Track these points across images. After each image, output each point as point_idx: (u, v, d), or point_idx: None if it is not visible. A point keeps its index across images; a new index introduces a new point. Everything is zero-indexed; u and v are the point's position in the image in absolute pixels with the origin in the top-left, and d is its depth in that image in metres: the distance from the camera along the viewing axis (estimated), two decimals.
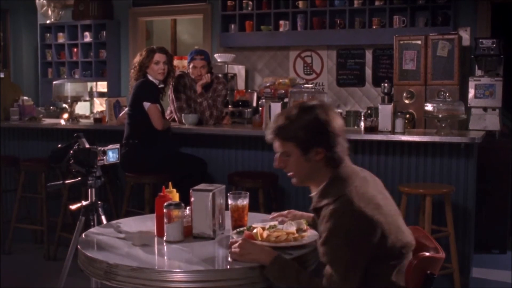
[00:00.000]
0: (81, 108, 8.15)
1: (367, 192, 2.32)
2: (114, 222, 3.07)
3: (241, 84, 7.90)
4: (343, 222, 2.22)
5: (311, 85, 5.82)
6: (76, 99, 6.25)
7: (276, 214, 2.94)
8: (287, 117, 2.39)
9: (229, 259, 2.40)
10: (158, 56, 5.17)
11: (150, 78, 5.15)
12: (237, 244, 2.38)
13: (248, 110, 6.76)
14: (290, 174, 2.48)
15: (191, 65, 5.59)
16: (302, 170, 2.43)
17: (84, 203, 3.67)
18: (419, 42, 6.42)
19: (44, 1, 9.21)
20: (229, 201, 2.82)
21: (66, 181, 3.76)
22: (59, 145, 3.74)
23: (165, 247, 2.63)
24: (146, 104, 5.00)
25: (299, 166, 2.41)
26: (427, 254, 2.28)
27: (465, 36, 6.85)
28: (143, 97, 5.04)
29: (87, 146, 3.63)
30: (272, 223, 2.73)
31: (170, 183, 2.99)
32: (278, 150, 2.44)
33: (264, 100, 5.65)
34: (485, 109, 6.27)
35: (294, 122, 2.37)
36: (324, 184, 2.39)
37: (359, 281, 2.21)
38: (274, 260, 2.30)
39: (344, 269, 2.20)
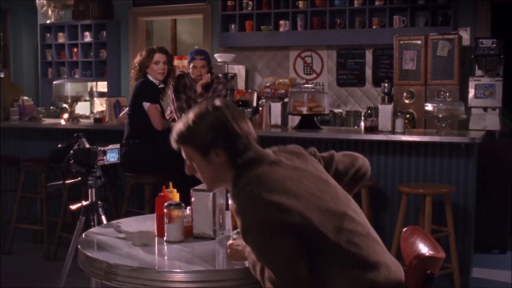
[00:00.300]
0: (81, 108, 8.15)
1: (271, 178, 2.18)
2: (114, 222, 3.07)
3: (241, 84, 7.90)
4: (249, 217, 2.11)
5: (311, 85, 5.81)
6: (76, 99, 6.25)
7: None
8: (184, 123, 2.32)
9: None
10: (158, 56, 5.17)
11: (150, 78, 5.15)
12: (228, 245, 2.42)
13: (248, 110, 6.73)
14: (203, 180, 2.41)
15: (191, 65, 5.59)
16: (207, 174, 2.34)
17: (84, 203, 3.67)
18: (419, 42, 6.42)
19: (44, 1, 9.21)
20: (230, 201, 2.82)
21: (66, 181, 3.76)
22: (59, 145, 3.74)
23: (166, 247, 2.63)
24: (146, 104, 5.00)
25: (203, 170, 2.33)
26: (427, 254, 2.28)
27: (465, 36, 6.85)
28: (143, 97, 5.04)
29: (87, 146, 3.63)
30: None
31: (170, 183, 2.99)
32: (184, 157, 2.39)
33: (264, 100, 5.65)
34: (485, 109, 6.27)
35: (190, 126, 2.30)
36: (232, 185, 2.28)
37: (305, 267, 2.09)
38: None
39: (275, 264, 2.09)
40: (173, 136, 2.36)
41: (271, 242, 2.08)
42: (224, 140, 2.26)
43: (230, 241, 2.43)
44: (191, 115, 2.31)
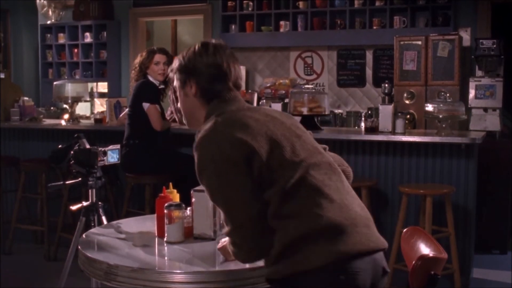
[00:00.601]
0: (82, 108, 8.15)
1: (234, 117, 2.17)
2: (114, 222, 3.07)
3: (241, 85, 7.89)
4: (204, 152, 2.11)
5: (312, 86, 5.81)
6: (76, 99, 6.25)
7: None
8: (178, 58, 2.37)
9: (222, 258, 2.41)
10: (158, 57, 5.17)
11: (150, 78, 5.16)
12: (220, 247, 2.41)
13: None
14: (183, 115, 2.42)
15: None
16: (184, 107, 2.36)
17: (84, 203, 3.67)
18: (419, 42, 6.42)
19: (44, 1, 9.21)
20: None
21: (67, 182, 3.76)
22: (60, 146, 3.74)
23: (166, 248, 2.63)
24: (146, 105, 5.00)
25: (182, 102, 2.36)
26: (430, 254, 2.28)
27: (466, 36, 6.85)
28: (143, 97, 5.04)
29: (88, 146, 3.63)
30: None
31: (170, 184, 2.99)
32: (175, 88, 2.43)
33: (264, 101, 5.66)
34: (485, 109, 6.27)
35: (179, 60, 2.35)
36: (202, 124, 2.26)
37: (257, 211, 2.06)
38: None
39: (228, 204, 2.09)
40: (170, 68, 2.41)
41: (223, 178, 2.08)
42: (196, 72, 2.28)
43: (219, 245, 2.42)
44: (183, 52, 2.36)
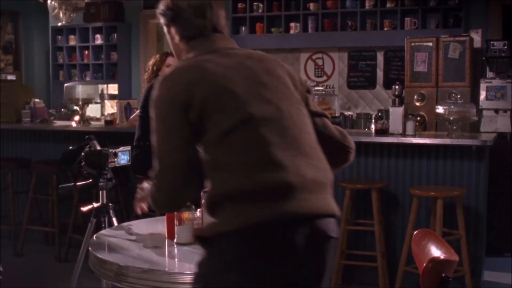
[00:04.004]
0: (92, 110, 8.17)
1: (199, 60, 2.12)
2: (125, 224, 3.08)
3: None
4: (157, 90, 2.10)
5: (322, 88, 5.80)
6: (87, 101, 6.27)
7: None
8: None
9: None
10: (171, 60, 5.18)
11: None
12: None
13: None
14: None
15: None
16: (173, 49, 2.34)
17: (95, 205, 3.68)
18: (430, 44, 6.40)
19: (55, 3, 9.25)
20: None
21: (77, 183, 3.77)
22: (71, 147, 3.75)
23: (176, 249, 2.63)
24: None
25: (171, 44, 2.33)
26: (441, 257, 2.27)
27: (477, 38, 6.82)
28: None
29: (98, 148, 3.64)
30: None
31: None
32: None
33: None
34: (496, 111, 6.25)
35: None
36: None
37: (187, 157, 2.02)
38: None
39: (160, 144, 2.08)
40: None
41: (162, 118, 2.06)
42: (174, 17, 2.24)
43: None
44: None
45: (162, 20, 2.31)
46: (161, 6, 2.29)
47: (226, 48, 2.19)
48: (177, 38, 2.27)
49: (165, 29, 2.32)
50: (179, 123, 2.02)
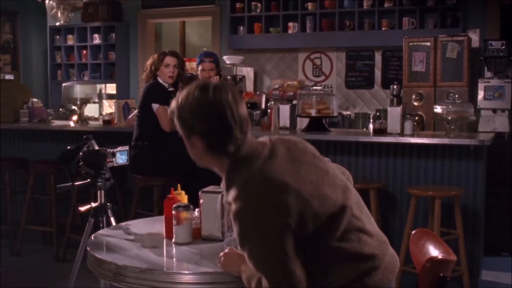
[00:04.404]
0: (90, 110, 8.17)
1: (272, 172, 2.07)
2: (123, 224, 3.08)
3: (249, 86, 7.91)
4: (250, 222, 2.01)
5: (320, 87, 5.81)
6: (85, 101, 6.27)
7: None
8: (175, 99, 2.22)
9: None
10: (168, 59, 5.18)
11: (160, 80, 5.17)
12: (222, 253, 2.30)
13: (257, 112, 6.76)
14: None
15: (200, 68, 5.60)
16: (192, 154, 2.26)
17: (93, 204, 3.68)
18: (428, 43, 6.40)
19: (53, 3, 9.25)
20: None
21: (75, 183, 3.77)
22: (69, 147, 3.75)
23: (174, 249, 2.63)
24: (155, 106, 5.01)
25: (189, 149, 2.25)
26: (439, 256, 2.27)
27: (475, 37, 6.83)
28: (152, 98, 5.05)
29: (96, 148, 3.64)
30: None
31: (178, 185, 2.99)
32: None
33: (272, 102, 5.65)
34: (494, 110, 6.26)
35: (177, 105, 2.20)
36: (225, 175, 2.19)
37: (301, 276, 2.01)
38: (251, 275, 2.15)
39: (273, 273, 2.01)
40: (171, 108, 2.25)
41: (269, 247, 2.01)
42: (204, 128, 2.14)
43: (226, 250, 2.32)
44: (182, 92, 2.21)
45: (178, 125, 2.19)
46: (178, 112, 2.17)
47: (270, 150, 2.17)
48: (200, 148, 2.19)
49: (180, 132, 2.21)
50: (287, 247, 2.00)
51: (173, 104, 2.21)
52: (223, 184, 2.25)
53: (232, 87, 2.24)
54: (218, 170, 2.25)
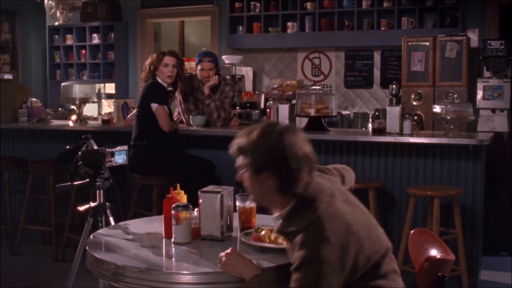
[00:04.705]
0: (89, 109, 8.17)
1: (336, 211, 2.21)
2: (122, 223, 3.08)
3: (248, 86, 7.91)
4: (316, 251, 2.11)
5: (319, 87, 5.81)
6: (84, 100, 6.27)
7: None
8: (247, 136, 2.30)
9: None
10: (167, 59, 5.18)
11: (159, 80, 5.17)
12: (224, 253, 2.32)
13: (256, 111, 6.76)
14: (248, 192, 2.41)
15: (199, 67, 5.60)
16: (254, 191, 2.34)
17: (92, 204, 3.68)
18: (427, 43, 6.41)
19: (52, 3, 9.25)
20: (237, 203, 2.82)
21: (74, 183, 3.76)
22: (68, 147, 3.75)
23: (173, 249, 2.63)
24: (154, 105, 5.01)
25: (252, 186, 2.32)
26: (437, 256, 2.27)
27: (474, 37, 6.83)
28: (151, 98, 5.05)
29: (95, 147, 3.64)
30: None
31: (178, 185, 2.99)
32: (237, 165, 2.37)
33: (271, 102, 5.65)
34: (493, 110, 6.26)
35: (251, 142, 2.28)
36: (289, 209, 2.28)
37: None
38: (254, 277, 2.24)
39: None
40: (233, 145, 2.34)
41: (323, 278, 2.10)
42: (277, 166, 2.25)
43: (228, 251, 2.34)
44: (256, 130, 2.31)
45: (250, 162, 2.27)
46: (259, 148, 2.26)
47: (324, 187, 2.31)
48: (267, 186, 2.27)
49: (248, 168, 2.29)
50: (341, 277, 2.14)
51: (243, 140, 2.30)
52: (277, 220, 2.33)
53: (300, 130, 2.40)
54: (277, 207, 2.32)
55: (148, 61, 5.27)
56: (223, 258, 2.31)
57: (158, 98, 5.04)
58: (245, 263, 2.29)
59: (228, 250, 2.33)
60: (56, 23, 9.38)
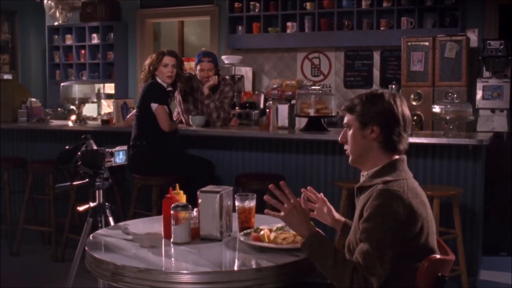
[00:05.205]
0: (89, 109, 8.17)
1: (416, 189, 2.36)
2: (121, 223, 3.08)
3: (248, 86, 7.90)
4: (392, 204, 2.25)
5: (318, 87, 5.81)
6: (83, 100, 6.27)
7: (309, 191, 2.82)
8: (358, 97, 2.50)
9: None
10: (167, 59, 5.18)
11: (159, 80, 5.17)
12: (285, 208, 2.45)
13: (255, 112, 6.76)
14: (346, 151, 2.54)
15: (198, 67, 5.60)
16: (356, 146, 2.47)
17: (91, 204, 3.67)
18: (427, 43, 6.41)
19: (52, 3, 9.24)
20: (236, 203, 2.82)
21: (74, 183, 3.76)
22: (67, 147, 3.74)
23: (172, 249, 2.63)
24: (154, 105, 5.01)
25: (355, 140, 2.47)
26: (437, 256, 2.27)
27: (473, 37, 6.83)
28: (151, 98, 5.05)
29: (95, 147, 3.64)
30: (279, 225, 2.73)
31: (177, 185, 2.99)
32: (344, 123, 2.54)
33: (271, 102, 5.65)
34: (493, 110, 6.25)
35: (362, 98, 2.47)
36: (380, 167, 2.43)
37: (389, 267, 2.22)
38: (312, 235, 2.35)
39: (381, 248, 2.22)
40: (345, 104, 2.52)
41: (391, 231, 2.22)
42: (384, 119, 2.42)
43: (289, 207, 2.46)
44: (366, 93, 2.51)
45: (356, 115, 2.45)
46: (362, 102, 2.45)
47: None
48: (371, 138, 2.44)
49: (353, 124, 2.46)
50: (404, 239, 2.27)
51: (357, 99, 2.47)
52: (366, 176, 2.48)
53: (397, 94, 2.57)
54: (372, 164, 2.47)
55: (147, 61, 5.26)
56: (283, 213, 2.44)
57: (158, 98, 5.04)
58: (301, 221, 2.42)
59: (287, 206, 2.45)
60: (56, 23, 9.38)
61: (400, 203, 2.24)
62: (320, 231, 2.40)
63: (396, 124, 2.44)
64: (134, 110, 5.45)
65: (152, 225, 2.97)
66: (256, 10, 7.96)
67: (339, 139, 2.55)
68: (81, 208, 3.68)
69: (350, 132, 2.48)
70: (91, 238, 2.81)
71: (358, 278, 2.20)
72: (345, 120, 2.51)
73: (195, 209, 2.74)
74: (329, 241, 2.36)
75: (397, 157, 2.46)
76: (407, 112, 2.51)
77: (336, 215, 2.79)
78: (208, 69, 5.56)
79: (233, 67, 7.60)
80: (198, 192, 2.73)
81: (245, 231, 2.72)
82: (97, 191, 3.67)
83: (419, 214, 2.27)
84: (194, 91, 5.58)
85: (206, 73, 5.56)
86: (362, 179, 2.50)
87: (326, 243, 2.33)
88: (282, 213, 2.45)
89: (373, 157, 2.45)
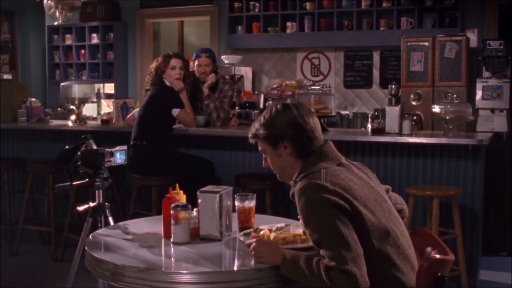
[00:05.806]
0: (89, 109, 8.16)
1: (337, 175, 2.38)
2: (121, 223, 3.08)
3: (248, 86, 7.90)
4: (314, 195, 2.29)
5: (318, 87, 5.81)
6: (83, 100, 6.27)
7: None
8: (258, 119, 2.57)
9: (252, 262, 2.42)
10: (174, 62, 5.19)
11: (166, 83, 5.18)
12: (251, 247, 2.43)
13: (255, 111, 6.76)
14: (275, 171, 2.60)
15: (196, 63, 5.61)
16: (278, 165, 2.55)
17: (91, 204, 3.68)
18: (426, 43, 6.41)
19: (52, 3, 9.24)
20: (236, 203, 2.82)
21: (74, 183, 3.77)
22: (67, 147, 3.74)
23: (172, 249, 2.63)
24: (175, 111, 5.06)
25: (274, 162, 2.55)
26: (437, 256, 2.28)
27: (473, 37, 6.83)
28: (171, 104, 5.09)
29: (95, 147, 3.64)
30: (279, 225, 2.73)
31: (177, 185, 2.99)
32: (259, 150, 2.60)
33: (271, 102, 5.65)
34: (492, 110, 6.25)
35: (260, 121, 2.54)
36: (299, 169, 2.49)
37: (357, 247, 2.23)
38: (283, 259, 2.33)
39: (335, 235, 2.23)
40: (250, 133, 2.59)
41: (330, 219, 2.25)
42: (289, 133, 2.47)
43: (253, 242, 2.45)
44: (264, 114, 2.56)
45: (264, 140, 2.52)
46: (264, 127, 2.51)
47: (338, 156, 2.51)
48: (287, 154, 2.50)
49: (267, 146, 2.53)
50: (345, 220, 2.29)
51: (257, 124, 2.55)
52: (293, 185, 2.52)
53: (305, 105, 2.62)
54: (296, 172, 2.50)
55: (153, 65, 5.27)
56: (253, 253, 2.41)
57: (176, 103, 5.11)
58: (272, 250, 2.40)
59: (253, 243, 2.43)
60: (56, 23, 9.38)
61: (323, 190, 2.29)
62: (287, 250, 2.40)
63: (303, 130, 2.48)
64: (134, 110, 5.45)
65: (152, 225, 2.97)
66: (256, 10, 7.96)
67: (263, 165, 2.63)
68: (81, 208, 3.68)
69: (268, 157, 2.56)
70: (91, 238, 2.81)
71: (336, 274, 2.19)
72: (259, 148, 2.58)
73: (195, 209, 2.74)
74: (298, 254, 2.34)
75: (312, 155, 2.49)
76: (307, 111, 2.54)
77: None
78: (205, 64, 5.58)
79: (233, 67, 7.60)
80: (198, 192, 2.73)
81: (245, 231, 2.72)
82: (97, 191, 3.67)
83: (349, 193, 2.30)
84: (195, 91, 5.59)
85: (204, 69, 5.57)
86: (292, 188, 2.55)
87: (296, 258, 2.32)
88: (253, 255, 2.43)
89: (295, 167, 2.51)
